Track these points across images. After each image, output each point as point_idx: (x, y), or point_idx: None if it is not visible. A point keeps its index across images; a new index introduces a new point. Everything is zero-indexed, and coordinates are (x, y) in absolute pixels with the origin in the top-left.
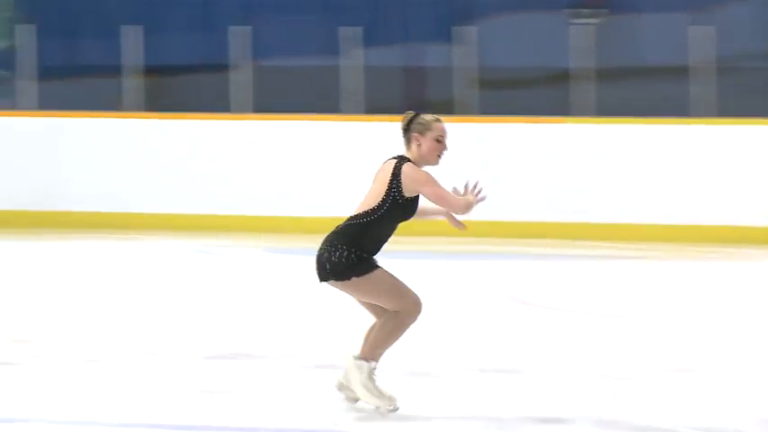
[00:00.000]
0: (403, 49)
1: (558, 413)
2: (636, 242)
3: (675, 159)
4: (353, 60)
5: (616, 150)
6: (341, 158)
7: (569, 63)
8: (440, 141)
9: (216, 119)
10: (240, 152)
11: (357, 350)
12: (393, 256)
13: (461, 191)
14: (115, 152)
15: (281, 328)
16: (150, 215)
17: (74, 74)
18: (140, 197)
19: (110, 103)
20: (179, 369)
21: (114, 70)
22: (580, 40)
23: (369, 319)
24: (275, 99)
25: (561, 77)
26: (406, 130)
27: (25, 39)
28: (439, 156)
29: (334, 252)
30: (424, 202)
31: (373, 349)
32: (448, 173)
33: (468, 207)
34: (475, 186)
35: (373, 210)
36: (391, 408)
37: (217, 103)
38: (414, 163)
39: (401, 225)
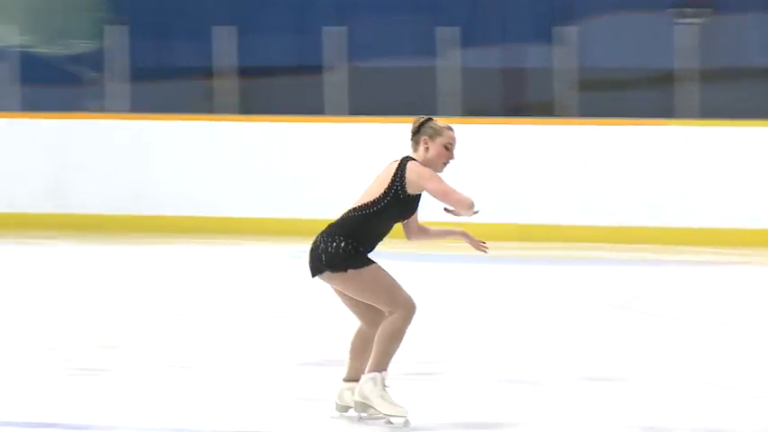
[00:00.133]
0: (501, 49)
1: (664, 422)
2: (740, 247)
3: None
4: (450, 61)
5: (720, 153)
6: None
7: (673, 64)
8: (448, 149)
9: (310, 121)
10: (335, 155)
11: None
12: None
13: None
14: (207, 155)
15: None
16: (243, 219)
17: (165, 76)
18: (233, 201)
19: (201, 106)
20: (272, 376)
21: (206, 72)
22: (684, 40)
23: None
24: (371, 101)
25: (664, 79)
26: (416, 132)
27: (116, 40)
28: (445, 163)
29: (331, 243)
30: (431, 212)
31: (380, 361)
32: (548, 175)
33: (471, 206)
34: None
35: (373, 202)
36: (405, 418)
37: (311, 106)
38: None
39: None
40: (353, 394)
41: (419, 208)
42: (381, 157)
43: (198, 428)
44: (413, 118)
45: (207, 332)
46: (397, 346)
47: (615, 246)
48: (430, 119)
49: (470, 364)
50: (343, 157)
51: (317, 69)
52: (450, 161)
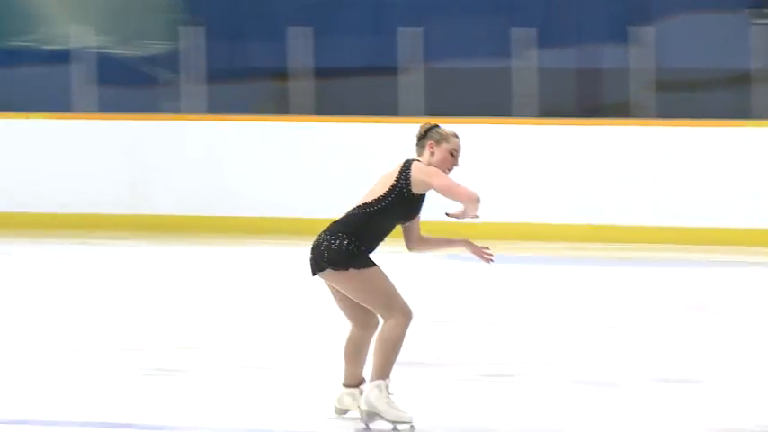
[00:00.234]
0: (577, 50)
1: (741, 424)
2: None
3: None
4: (526, 62)
5: None
6: (513, 163)
7: (750, 64)
8: (453, 156)
9: (385, 122)
10: (410, 156)
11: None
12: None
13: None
14: (282, 156)
15: (455, 336)
16: (318, 220)
17: (241, 77)
18: (308, 202)
19: (277, 107)
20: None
21: (282, 73)
22: (761, 40)
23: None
24: (446, 102)
25: (741, 79)
26: (423, 137)
27: (191, 41)
28: (449, 169)
29: (334, 240)
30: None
31: (382, 368)
32: (623, 176)
33: (478, 200)
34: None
35: (377, 200)
36: (411, 424)
37: (386, 107)
38: None
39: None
40: (354, 400)
41: (420, 217)
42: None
43: (273, 429)
44: (489, 119)
45: (283, 333)
46: (398, 353)
47: (690, 247)
48: (437, 125)
49: (545, 365)
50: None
51: (392, 70)
52: (455, 168)
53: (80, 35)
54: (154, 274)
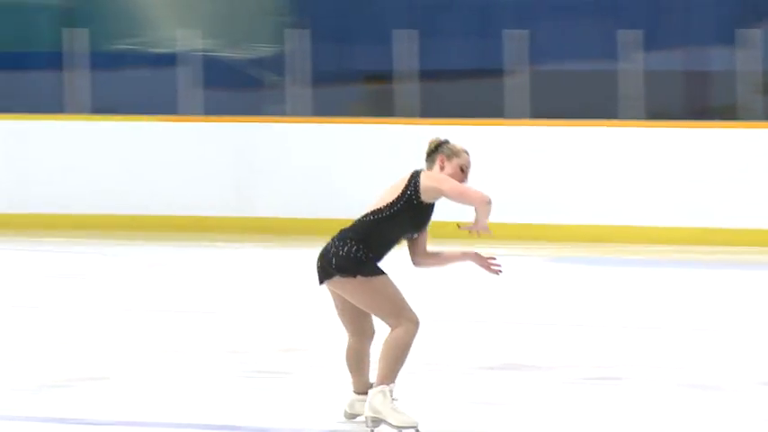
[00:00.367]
0: (684, 52)
1: None
2: None
3: None
4: (633, 64)
5: None
6: (619, 166)
7: None
8: (463, 171)
9: (490, 125)
10: (516, 159)
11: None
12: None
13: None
14: (387, 158)
15: (560, 339)
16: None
17: (345, 79)
18: None
19: (382, 109)
20: (452, 379)
21: (387, 75)
22: None
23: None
24: (551, 104)
25: None
26: (433, 152)
27: (296, 43)
28: None
29: (343, 247)
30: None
31: (387, 374)
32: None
33: (489, 201)
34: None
35: (386, 206)
36: (416, 428)
37: (491, 109)
38: None
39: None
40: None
41: (428, 233)
42: (562, 160)
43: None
44: (594, 121)
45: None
46: (404, 360)
47: None
48: (447, 141)
49: (651, 368)
50: (524, 161)
51: (498, 73)
52: (464, 184)
53: (187, 38)
54: (258, 277)
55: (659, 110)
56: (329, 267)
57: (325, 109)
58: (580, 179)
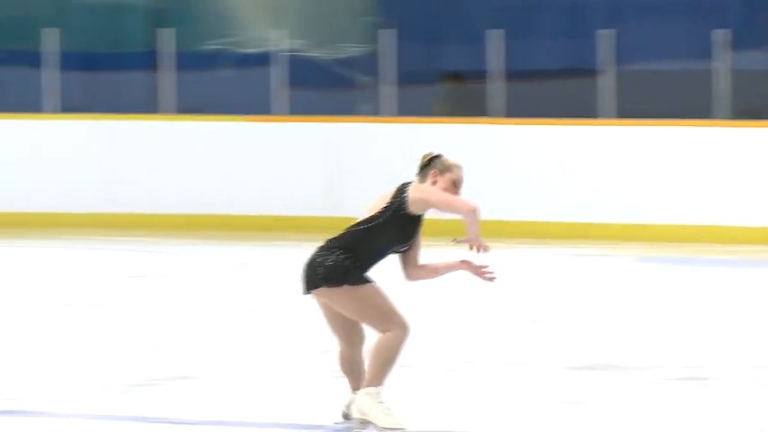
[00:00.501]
0: None
1: None
2: None
3: None
4: (723, 64)
5: None
6: (709, 165)
7: None
8: (456, 186)
9: (581, 125)
10: (606, 159)
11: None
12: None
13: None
14: (477, 158)
15: (647, 339)
16: (516, 223)
17: (433, 79)
18: (504, 204)
19: (473, 109)
20: (539, 379)
21: (477, 75)
22: None
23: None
24: (641, 104)
25: None
26: (426, 166)
27: (385, 43)
28: None
29: (329, 256)
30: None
31: (375, 377)
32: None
33: (476, 210)
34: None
35: (374, 216)
36: (403, 430)
37: (582, 109)
38: None
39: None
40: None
41: (420, 246)
42: (650, 160)
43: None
44: (685, 121)
45: (474, 332)
46: (393, 364)
47: None
48: (440, 155)
49: (740, 368)
50: (613, 160)
51: (588, 73)
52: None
53: (275, 38)
54: None
55: (749, 109)
56: (315, 277)
57: (410, 109)
58: (668, 179)
